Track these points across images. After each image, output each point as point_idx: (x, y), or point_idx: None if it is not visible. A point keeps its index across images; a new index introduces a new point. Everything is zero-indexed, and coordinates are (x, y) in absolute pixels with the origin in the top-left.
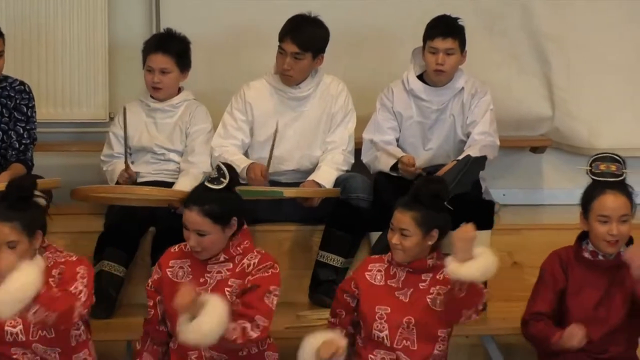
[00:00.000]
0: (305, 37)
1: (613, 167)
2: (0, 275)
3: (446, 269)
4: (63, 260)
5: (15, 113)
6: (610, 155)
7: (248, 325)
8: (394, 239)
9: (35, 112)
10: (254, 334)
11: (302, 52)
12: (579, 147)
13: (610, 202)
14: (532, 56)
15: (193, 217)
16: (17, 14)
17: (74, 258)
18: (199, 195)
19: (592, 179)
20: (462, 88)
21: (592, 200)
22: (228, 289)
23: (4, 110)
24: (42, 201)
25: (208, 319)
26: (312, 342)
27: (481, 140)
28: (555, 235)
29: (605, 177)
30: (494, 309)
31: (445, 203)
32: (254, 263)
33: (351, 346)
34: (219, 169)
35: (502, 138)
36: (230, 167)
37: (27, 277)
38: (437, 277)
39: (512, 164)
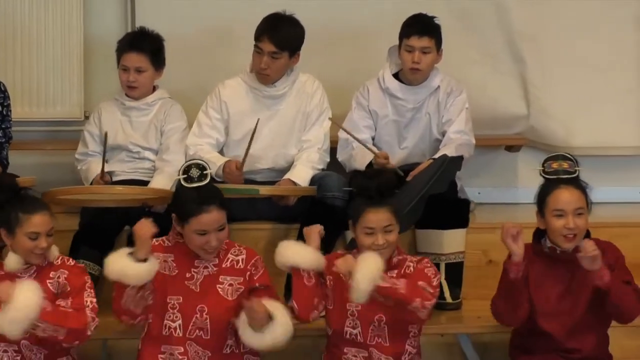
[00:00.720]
0: (283, 36)
1: (565, 165)
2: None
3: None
4: (59, 261)
5: None
6: (563, 154)
7: None
8: (379, 240)
9: (10, 110)
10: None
11: (279, 51)
12: (554, 146)
13: (564, 196)
14: (507, 54)
15: (215, 216)
16: None
17: (71, 262)
18: (205, 195)
19: (545, 178)
20: (438, 87)
21: (547, 196)
22: (219, 285)
23: None
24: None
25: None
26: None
27: (457, 139)
28: (530, 234)
29: (558, 174)
30: (470, 307)
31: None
32: (243, 259)
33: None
34: (197, 165)
35: (477, 136)
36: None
37: (26, 296)
38: (403, 271)
39: (487, 163)
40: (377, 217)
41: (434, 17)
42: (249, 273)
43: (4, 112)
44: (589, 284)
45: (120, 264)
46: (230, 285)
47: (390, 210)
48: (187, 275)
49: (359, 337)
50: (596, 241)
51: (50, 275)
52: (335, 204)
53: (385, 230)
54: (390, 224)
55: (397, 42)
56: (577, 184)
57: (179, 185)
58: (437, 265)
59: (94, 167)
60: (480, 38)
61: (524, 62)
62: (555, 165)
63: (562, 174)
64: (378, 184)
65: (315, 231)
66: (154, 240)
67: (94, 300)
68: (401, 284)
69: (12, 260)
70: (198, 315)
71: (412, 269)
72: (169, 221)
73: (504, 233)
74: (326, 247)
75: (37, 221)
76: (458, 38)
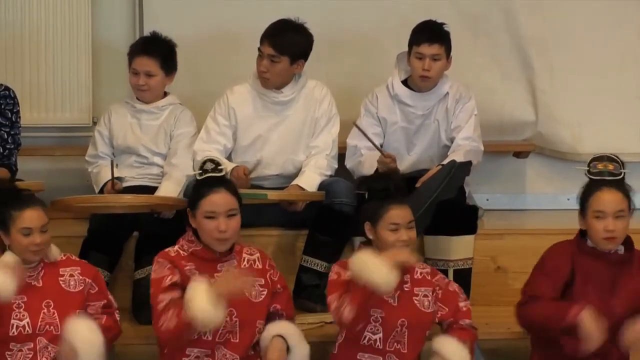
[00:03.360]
0: (283, 41)
1: (611, 167)
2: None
3: None
4: (64, 257)
5: (0, 118)
6: (608, 155)
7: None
8: (404, 236)
9: (19, 117)
10: None
11: (277, 55)
12: (562, 152)
13: (606, 197)
14: (515, 60)
15: (224, 198)
16: (1, 20)
17: (76, 258)
18: (216, 181)
19: (590, 178)
20: (447, 93)
21: (589, 197)
22: None
23: None
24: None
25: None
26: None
27: (465, 145)
28: (539, 240)
29: (602, 175)
30: (478, 314)
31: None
32: (258, 257)
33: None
34: (212, 160)
35: (485, 143)
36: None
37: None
38: (415, 276)
39: (496, 169)
40: (402, 213)
41: (444, 23)
42: (268, 274)
43: (13, 119)
44: (634, 286)
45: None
46: (253, 286)
47: (410, 208)
48: (212, 280)
49: (377, 342)
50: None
51: (60, 272)
52: (344, 210)
53: (408, 226)
54: (412, 220)
55: (404, 47)
56: (619, 186)
57: (193, 180)
58: (445, 272)
59: (104, 173)
60: (488, 44)
61: (532, 69)
62: (600, 166)
63: (606, 175)
64: (395, 184)
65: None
66: (167, 250)
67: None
68: (468, 345)
69: (9, 259)
70: (228, 319)
71: (429, 278)
72: (178, 227)
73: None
74: (334, 253)
75: (29, 216)
76: (466, 44)
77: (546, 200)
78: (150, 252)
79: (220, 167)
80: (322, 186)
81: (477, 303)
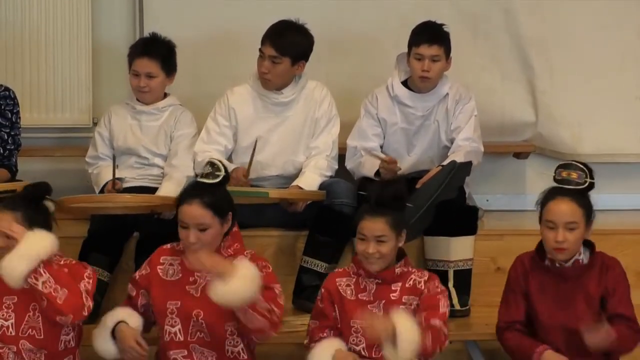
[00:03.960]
0: (284, 42)
1: (574, 175)
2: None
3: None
4: (62, 262)
5: (0, 119)
6: (576, 164)
7: (275, 309)
8: (370, 248)
9: (19, 117)
10: (275, 319)
11: (279, 56)
12: (562, 153)
13: (558, 208)
14: (515, 61)
15: (194, 211)
16: (1, 20)
17: (73, 262)
18: (197, 189)
19: (550, 187)
20: (447, 94)
21: (544, 207)
22: None
23: None
24: (50, 205)
25: (241, 282)
26: (324, 354)
27: (465, 146)
28: (538, 241)
29: (564, 184)
30: (478, 315)
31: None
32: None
33: None
34: (212, 164)
35: (485, 144)
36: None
37: (37, 237)
38: (406, 285)
39: (496, 170)
40: (373, 226)
41: (443, 24)
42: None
43: (13, 119)
44: (589, 299)
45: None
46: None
47: (387, 222)
48: (190, 279)
49: (362, 352)
50: (602, 256)
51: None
52: (344, 211)
53: (378, 240)
54: (384, 234)
55: (404, 48)
56: (578, 197)
57: (193, 182)
58: (445, 273)
59: (105, 173)
60: (488, 45)
61: (532, 69)
62: (564, 173)
63: (567, 183)
64: (382, 194)
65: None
66: (167, 245)
67: (90, 290)
68: (428, 340)
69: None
70: (194, 320)
71: (422, 287)
72: (178, 228)
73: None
74: (334, 253)
75: None
76: (466, 44)
77: None
78: (150, 253)
79: (217, 173)
80: (322, 187)
81: (477, 304)
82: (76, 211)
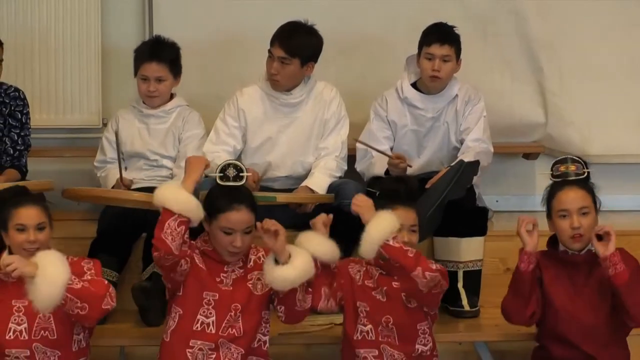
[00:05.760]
0: (293, 43)
1: (573, 167)
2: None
3: None
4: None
5: (10, 119)
6: (571, 157)
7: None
8: (404, 237)
9: (29, 118)
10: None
11: (288, 57)
12: (571, 154)
13: (568, 196)
14: (525, 62)
15: (244, 216)
16: (11, 22)
17: (75, 259)
18: (234, 194)
19: (553, 181)
20: (456, 95)
21: (552, 199)
22: (249, 282)
23: None
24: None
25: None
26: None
27: (475, 147)
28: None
29: (564, 177)
30: (488, 315)
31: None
32: (263, 255)
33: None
34: (234, 166)
35: (494, 144)
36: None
37: (56, 267)
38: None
39: (505, 171)
40: (405, 215)
41: (454, 26)
42: None
43: (23, 120)
44: (602, 289)
45: (171, 190)
46: (259, 279)
47: (415, 212)
48: (217, 279)
49: (370, 334)
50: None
51: None
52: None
53: (410, 229)
54: (415, 224)
55: (413, 50)
56: (582, 184)
57: (213, 182)
58: (455, 273)
59: (113, 174)
60: (498, 46)
61: (541, 70)
62: (562, 168)
63: (568, 176)
64: (406, 186)
65: (320, 221)
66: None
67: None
68: (411, 252)
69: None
70: (232, 313)
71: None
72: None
73: (520, 224)
74: (343, 253)
75: (24, 213)
76: (476, 46)
77: None
78: None
79: (242, 175)
80: (331, 188)
81: (487, 304)
82: (84, 198)
